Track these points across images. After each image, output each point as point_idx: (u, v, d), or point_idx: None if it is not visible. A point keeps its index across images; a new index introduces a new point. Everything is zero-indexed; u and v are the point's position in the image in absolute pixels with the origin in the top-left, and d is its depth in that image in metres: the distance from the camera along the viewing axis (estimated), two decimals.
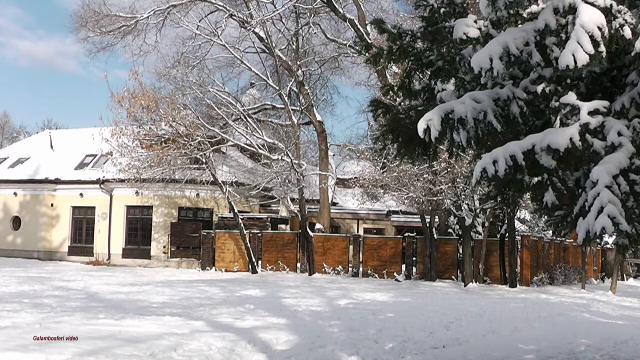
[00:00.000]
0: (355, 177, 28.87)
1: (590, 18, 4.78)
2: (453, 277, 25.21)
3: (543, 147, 5.11)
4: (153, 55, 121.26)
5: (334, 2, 28.05)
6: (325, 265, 26.81)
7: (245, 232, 27.17)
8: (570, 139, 4.98)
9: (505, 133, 5.68)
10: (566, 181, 5.62)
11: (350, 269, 26.74)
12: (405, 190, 24.15)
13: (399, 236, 28.45)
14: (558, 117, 5.42)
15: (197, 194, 30.35)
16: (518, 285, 23.48)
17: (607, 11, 4.93)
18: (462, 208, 23.61)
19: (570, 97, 5.26)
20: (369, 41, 22.33)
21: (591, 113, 5.09)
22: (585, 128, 5.03)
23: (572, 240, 28.94)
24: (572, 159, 5.14)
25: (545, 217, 6.92)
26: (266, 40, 28.47)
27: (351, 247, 27.10)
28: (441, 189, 23.00)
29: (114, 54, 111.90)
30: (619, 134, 4.98)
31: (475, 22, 6.26)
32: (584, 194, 5.08)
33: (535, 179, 5.78)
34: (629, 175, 4.86)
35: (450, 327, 11.53)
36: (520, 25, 5.75)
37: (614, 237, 6.04)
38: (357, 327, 10.82)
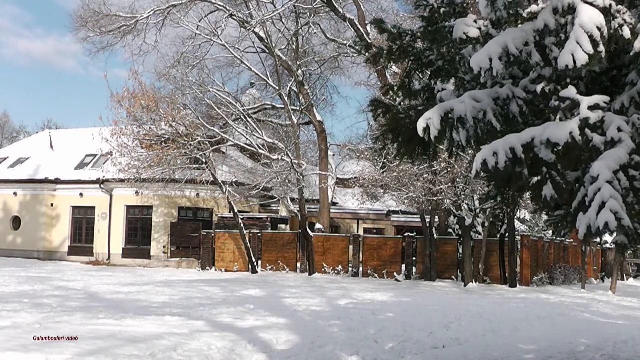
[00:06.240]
0: (355, 177, 28.86)
1: (589, 18, 4.79)
2: (453, 277, 25.20)
3: (543, 140, 5.10)
4: (153, 55, 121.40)
5: (334, 2, 28.06)
6: (325, 265, 26.81)
7: (245, 232, 27.17)
8: (570, 133, 4.98)
9: (505, 132, 5.67)
10: (565, 175, 5.62)
11: (350, 269, 26.74)
12: (405, 190, 24.14)
13: (399, 236, 28.44)
14: (557, 117, 5.42)
15: (197, 194, 30.36)
16: (518, 285, 23.48)
17: (606, 11, 4.93)
18: (462, 208, 23.61)
19: (571, 91, 5.26)
20: (369, 41, 22.36)
21: (591, 108, 5.09)
22: (585, 123, 5.02)
23: (572, 240, 28.95)
24: (572, 154, 5.14)
25: (546, 216, 6.92)
26: (266, 40, 28.46)
27: (351, 247, 27.10)
28: (441, 189, 22.99)
29: (113, 54, 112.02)
30: (619, 130, 4.98)
31: (475, 22, 6.26)
32: (582, 189, 5.08)
33: (536, 179, 5.79)
34: (628, 171, 4.86)
35: (450, 327, 11.52)
36: (519, 25, 5.76)
37: (614, 235, 6.05)
38: (357, 327, 10.82)
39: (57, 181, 33.06)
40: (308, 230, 27.03)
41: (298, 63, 30.09)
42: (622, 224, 4.62)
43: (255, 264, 27.21)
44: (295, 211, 28.30)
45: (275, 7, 29.11)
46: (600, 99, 5.15)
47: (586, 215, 4.82)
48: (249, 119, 28.18)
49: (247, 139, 28.57)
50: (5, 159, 36.36)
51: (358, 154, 33.16)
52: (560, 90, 5.45)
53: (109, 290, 16.62)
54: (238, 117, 28.40)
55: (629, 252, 29.65)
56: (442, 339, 10.21)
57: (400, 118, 6.96)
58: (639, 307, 18.48)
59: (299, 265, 27.42)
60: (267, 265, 27.61)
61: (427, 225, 25.32)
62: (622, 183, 4.79)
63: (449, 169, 22.58)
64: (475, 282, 23.59)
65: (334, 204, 35.20)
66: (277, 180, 28.10)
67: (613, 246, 26.00)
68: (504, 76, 5.91)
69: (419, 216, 27.11)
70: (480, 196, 22.73)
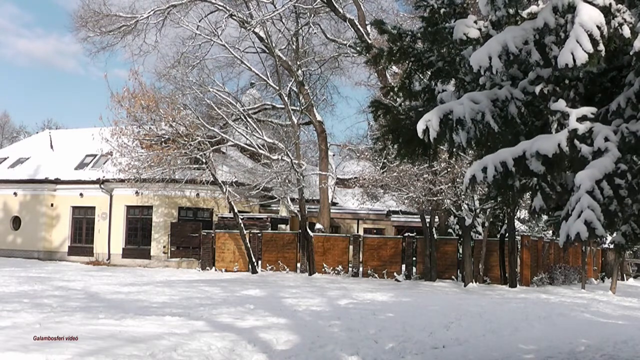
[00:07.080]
0: (355, 177, 28.86)
1: (589, 17, 4.79)
2: (453, 277, 25.20)
3: (532, 153, 5.19)
4: (153, 55, 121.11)
5: (334, 2, 28.06)
6: (325, 265, 26.81)
7: (245, 232, 27.16)
8: (558, 144, 5.06)
9: (503, 133, 5.68)
10: (555, 186, 5.67)
11: (350, 269, 26.74)
12: (405, 190, 24.14)
13: (399, 236, 28.44)
14: (555, 118, 5.44)
15: (197, 194, 30.36)
16: (518, 285, 23.48)
17: (606, 10, 4.93)
18: (462, 208, 23.60)
19: (560, 104, 5.32)
20: (369, 41, 22.37)
21: (580, 119, 5.17)
22: (573, 134, 5.11)
23: None
24: (562, 164, 5.22)
25: (546, 216, 6.94)
26: (266, 40, 28.46)
27: (351, 247, 27.10)
28: (441, 189, 22.99)
29: (113, 54, 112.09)
30: (606, 139, 5.06)
31: (475, 22, 6.27)
32: (571, 198, 5.17)
33: (531, 184, 5.82)
34: (614, 180, 4.91)
35: (450, 327, 11.53)
36: (519, 24, 5.76)
37: (614, 235, 6.06)
38: (357, 327, 10.82)
39: (57, 181, 33.05)
40: (308, 230, 27.03)
41: (298, 63, 30.09)
42: (595, 233, 4.71)
43: (255, 264, 27.21)
44: (295, 211, 28.30)
45: (275, 7, 29.12)
46: (588, 110, 5.26)
47: (566, 223, 4.91)
48: (249, 119, 28.17)
49: (247, 139, 28.57)
50: (5, 159, 36.35)
51: (358, 154, 33.16)
52: (559, 91, 5.47)
53: (109, 290, 16.62)
54: (238, 117, 28.39)
55: (629, 253, 29.67)
56: (442, 339, 10.21)
57: (401, 119, 6.97)
58: (639, 307, 18.48)
59: (299, 265, 27.42)
60: (267, 265, 27.61)
61: (427, 225, 25.31)
62: (605, 192, 4.86)
63: (449, 169, 22.58)
64: (475, 282, 23.58)
65: (334, 204, 35.20)
66: (277, 180, 28.10)
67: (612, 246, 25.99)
68: (503, 76, 5.91)
69: (419, 216, 27.10)
70: (480, 196, 22.71)
